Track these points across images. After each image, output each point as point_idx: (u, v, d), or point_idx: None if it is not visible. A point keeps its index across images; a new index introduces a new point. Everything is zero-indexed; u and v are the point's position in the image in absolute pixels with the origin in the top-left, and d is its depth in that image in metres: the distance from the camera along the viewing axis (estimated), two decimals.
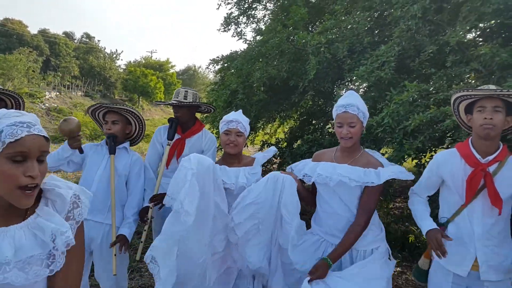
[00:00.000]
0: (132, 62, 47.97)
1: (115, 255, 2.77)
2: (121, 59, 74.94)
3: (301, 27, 4.52)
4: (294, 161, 4.94)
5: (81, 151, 2.90)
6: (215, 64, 5.92)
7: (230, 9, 5.82)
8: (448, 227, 2.31)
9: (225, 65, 5.66)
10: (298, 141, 6.04)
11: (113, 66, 43.08)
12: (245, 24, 5.61)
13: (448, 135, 3.40)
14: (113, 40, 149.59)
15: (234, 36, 5.08)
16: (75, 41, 43.98)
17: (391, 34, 4.11)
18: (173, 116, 3.40)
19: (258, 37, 5.23)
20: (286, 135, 6.57)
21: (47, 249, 1.32)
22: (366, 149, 2.63)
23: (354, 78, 3.80)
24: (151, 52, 63.33)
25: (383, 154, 4.92)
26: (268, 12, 6.36)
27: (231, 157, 2.79)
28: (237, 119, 2.72)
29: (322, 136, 4.70)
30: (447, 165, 2.30)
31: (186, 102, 3.32)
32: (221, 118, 2.84)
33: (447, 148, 4.10)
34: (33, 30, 39.91)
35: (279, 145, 6.05)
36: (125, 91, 39.77)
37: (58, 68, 36.57)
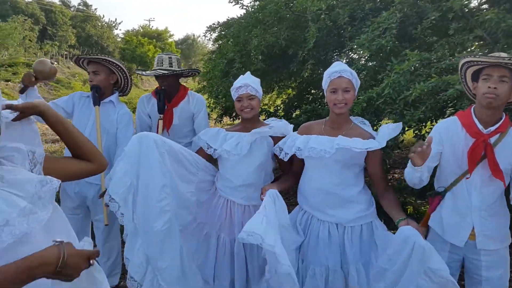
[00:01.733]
0: (130, 31, 47.22)
1: (106, 205, 2.75)
2: (120, 29, 73.87)
3: None
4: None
5: (22, 91, 2.87)
6: (212, 32, 5.75)
7: None
8: (445, 196, 2.27)
9: (222, 32, 5.48)
10: (297, 111, 5.94)
11: (111, 35, 42.47)
12: None
13: (450, 105, 3.31)
14: (111, 9, 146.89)
15: (231, 2, 4.89)
16: (72, 9, 43.16)
17: (392, 0, 3.97)
18: (157, 87, 3.27)
19: (256, 3, 5.04)
20: (284, 104, 6.47)
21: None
22: (353, 118, 2.59)
23: (355, 46, 3.68)
24: (149, 20, 62.44)
25: None
26: None
27: (248, 121, 2.71)
28: (245, 83, 2.63)
29: (321, 106, 4.60)
30: (448, 134, 2.24)
31: (173, 71, 3.19)
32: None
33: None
34: None
35: (277, 113, 5.97)
36: (124, 60, 39.28)
37: (55, 37, 36.04)
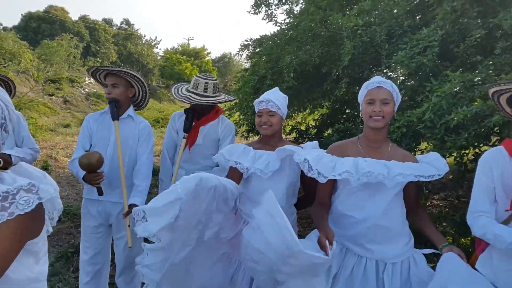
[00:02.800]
0: (169, 49, 48.30)
1: (128, 226, 2.68)
2: (160, 48, 75.72)
3: (336, 9, 4.22)
4: None
5: (100, 193, 2.74)
6: (246, 50, 5.68)
7: None
8: None
9: (256, 50, 5.40)
10: (329, 129, 5.75)
11: (151, 53, 43.49)
12: (276, 6, 5.32)
13: (495, 130, 3.03)
14: (153, 28, 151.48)
15: (265, 19, 4.82)
16: (114, 27, 44.62)
17: (433, 16, 3.77)
18: (188, 107, 3.22)
19: (289, 20, 4.94)
20: (317, 122, 6.29)
21: None
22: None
23: (393, 64, 3.49)
24: (188, 39, 63.77)
25: (422, 151, 4.63)
26: None
27: (266, 139, 2.59)
28: (267, 98, 2.50)
29: (355, 126, 4.39)
30: (497, 166, 1.94)
31: (205, 101, 3.07)
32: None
33: (494, 145, 3.73)
34: (74, 16, 40.76)
35: (309, 131, 5.79)
36: (162, 78, 40.11)
37: (97, 54, 37.27)
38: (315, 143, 2.68)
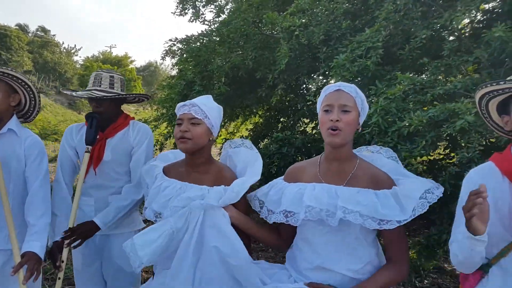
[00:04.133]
0: (90, 57, 46.04)
1: (23, 283, 1.93)
2: (80, 56, 71.83)
3: (270, 8, 3.88)
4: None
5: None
6: (172, 54, 5.17)
7: None
8: (490, 272, 1.56)
9: (180, 51, 4.88)
10: (265, 139, 5.39)
11: (69, 61, 41.21)
12: (204, 6, 4.87)
13: (445, 136, 2.76)
14: (73, 36, 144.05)
15: (192, 21, 4.36)
16: (30, 34, 41.76)
17: (373, 18, 3.54)
18: (91, 111, 2.45)
19: (219, 19, 4.52)
20: (250, 133, 5.91)
21: None
22: (358, 153, 1.89)
23: (332, 67, 3.18)
24: (110, 47, 61.08)
25: None
26: None
27: (191, 160, 1.94)
28: (192, 102, 1.92)
29: (292, 135, 4.05)
30: (488, 188, 1.45)
31: (115, 94, 2.42)
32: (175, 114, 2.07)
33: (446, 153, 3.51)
34: None
35: None
36: (82, 87, 38.03)
37: (9, 62, 34.55)
38: (254, 155, 2.08)
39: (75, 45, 52.07)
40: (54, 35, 44.76)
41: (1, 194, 2.00)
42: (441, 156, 3.47)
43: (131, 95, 2.57)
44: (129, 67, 42.87)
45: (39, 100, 2.28)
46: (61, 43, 43.64)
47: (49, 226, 2.17)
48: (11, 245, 2.02)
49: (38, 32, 42.67)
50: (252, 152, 2.03)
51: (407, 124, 2.43)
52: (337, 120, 1.64)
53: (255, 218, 1.99)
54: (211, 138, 1.96)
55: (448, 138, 2.49)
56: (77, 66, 43.20)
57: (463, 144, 2.31)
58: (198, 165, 1.94)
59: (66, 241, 2.19)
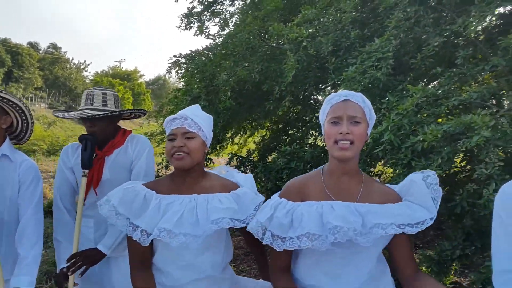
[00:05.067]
0: (99, 72, 46.52)
1: None
2: (89, 72, 72.39)
3: (275, 20, 3.78)
4: (268, 178, 4.18)
5: None
6: (176, 67, 5.09)
7: (191, 2, 5.03)
8: None
9: (186, 66, 4.79)
10: (273, 153, 5.27)
11: (79, 77, 41.67)
12: (208, 20, 4.80)
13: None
14: (83, 52, 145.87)
15: (197, 35, 4.28)
16: (41, 51, 42.40)
17: (382, 26, 3.43)
18: (85, 133, 2.32)
19: (224, 32, 4.45)
20: (258, 146, 5.79)
21: None
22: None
23: (342, 80, 3.06)
24: (120, 62, 61.85)
25: (378, 175, 4.21)
26: (237, 9, 5.62)
27: (183, 176, 1.76)
28: (184, 114, 1.74)
29: (301, 148, 3.92)
30: None
31: (108, 112, 2.27)
32: None
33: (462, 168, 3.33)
34: None
35: (251, 157, 5.27)
36: None
37: (21, 79, 35.01)
38: (249, 176, 1.98)
39: (84, 61, 52.54)
40: (65, 52, 45.37)
41: None
42: (457, 169, 3.32)
43: (125, 112, 2.43)
44: (139, 81, 43.22)
45: (32, 122, 2.17)
46: (71, 59, 44.13)
47: (40, 257, 2.05)
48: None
49: (49, 49, 43.33)
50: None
51: (421, 139, 2.30)
52: (348, 133, 1.51)
53: None
54: (206, 151, 1.83)
55: (464, 150, 2.34)
56: (86, 81, 43.63)
57: (481, 158, 2.16)
58: (194, 177, 1.78)
59: (71, 268, 2.09)
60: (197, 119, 1.75)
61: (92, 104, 2.30)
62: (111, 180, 2.28)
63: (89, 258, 2.14)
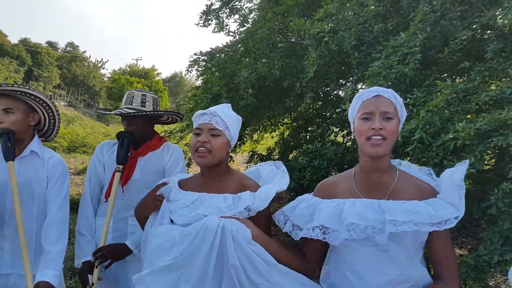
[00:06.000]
0: (117, 70, 46.95)
1: None
2: (107, 69, 72.98)
3: (295, 15, 3.72)
4: (290, 177, 4.10)
5: None
6: (196, 65, 5.07)
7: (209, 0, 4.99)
8: None
9: (207, 65, 4.75)
10: (294, 151, 5.22)
11: (97, 75, 42.15)
12: (227, 17, 4.76)
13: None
14: (100, 50, 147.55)
15: (216, 31, 4.25)
16: (59, 50, 43.01)
17: (405, 20, 3.34)
18: (123, 130, 2.38)
19: (243, 29, 4.39)
20: (278, 144, 5.74)
21: None
22: (396, 164, 1.71)
23: (368, 76, 2.99)
24: (137, 59, 62.18)
25: None
26: (254, 5, 5.57)
27: (208, 173, 1.77)
28: (213, 111, 1.74)
29: (324, 146, 3.86)
30: None
31: (144, 112, 2.33)
32: None
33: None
34: (14, 39, 38.80)
35: (271, 156, 5.23)
36: (110, 99, 38.74)
37: (40, 78, 35.57)
38: (274, 169, 1.90)
39: (102, 59, 53.06)
40: (84, 51, 45.90)
41: (17, 221, 1.91)
42: (487, 167, 3.21)
43: (163, 113, 2.47)
44: (156, 79, 43.51)
45: (59, 118, 2.22)
46: (89, 57, 44.67)
47: (65, 251, 2.10)
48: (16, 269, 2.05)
49: (67, 48, 43.94)
50: (280, 169, 1.88)
51: (452, 136, 2.23)
52: (380, 129, 1.48)
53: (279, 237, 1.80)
54: (229, 151, 1.82)
55: (495, 147, 2.26)
56: (104, 79, 44.11)
57: None
58: (215, 176, 1.78)
59: (97, 261, 2.12)
60: (226, 118, 1.75)
61: (132, 104, 2.38)
62: (140, 180, 2.33)
63: (115, 252, 2.18)
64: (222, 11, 4.91)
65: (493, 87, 2.66)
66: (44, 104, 2.09)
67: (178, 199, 1.74)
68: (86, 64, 42.37)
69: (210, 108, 1.78)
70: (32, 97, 2.03)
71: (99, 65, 44.28)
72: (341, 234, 1.48)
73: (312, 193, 1.73)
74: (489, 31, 2.68)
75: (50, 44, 42.69)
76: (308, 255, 1.70)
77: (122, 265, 2.33)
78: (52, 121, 2.22)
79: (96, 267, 2.12)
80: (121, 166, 2.26)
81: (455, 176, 1.50)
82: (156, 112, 2.39)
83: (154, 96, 2.48)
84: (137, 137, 2.36)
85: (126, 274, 2.34)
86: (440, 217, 1.44)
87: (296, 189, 3.47)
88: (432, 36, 2.97)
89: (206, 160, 1.69)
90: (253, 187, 1.73)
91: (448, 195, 1.50)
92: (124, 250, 2.21)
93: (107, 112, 2.56)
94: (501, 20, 2.49)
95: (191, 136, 1.76)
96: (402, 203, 1.50)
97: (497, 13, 2.55)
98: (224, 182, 1.78)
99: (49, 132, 2.28)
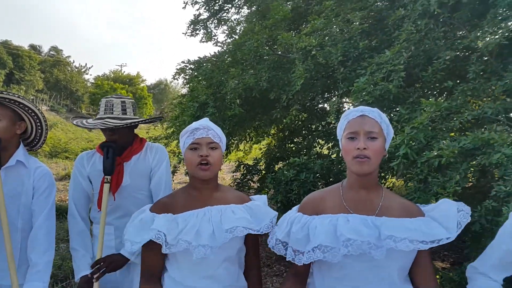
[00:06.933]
0: (101, 76, 46.50)
1: None
2: (90, 74, 72.22)
3: (282, 29, 3.77)
4: (277, 190, 4.09)
5: None
6: (183, 74, 5.08)
7: (197, 10, 5.02)
8: None
9: (193, 72, 4.77)
10: (279, 163, 5.25)
11: (80, 80, 41.70)
12: (216, 27, 4.80)
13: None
14: (84, 55, 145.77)
15: (204, 42, 4.27)
16: (43, 54, 42.44)
17: (389, 37, 3.42)
18: (105, 141, 2.35)
19: (231, 39, 4.43)
20: (263, 155, 5.77)
21: None
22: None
23: (353, 91, 3.04)
24: (121, 66, 61.61)
25: (390, 188, 4.18)
26: (242, 17, 5.62)
27: (200, 187, 1.77)
28: (206, 125, 1.76)
29: (310, 159, 3.89)
30: None
31: (128, 123, 2.28)
32: None
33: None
34: None
35: (258, 166, 5.25)
36: (93, 105, 38.34)
37: (22, 81, 35.00)
38: (264, 197, 1.96)
39: (85, 64, 52.41)
40: (69, 56, 45.30)
41: (4, 232, 1.87)
42: (469, 184, 3.28)
43: (146, 121, 2.47)
44: (140, 85, 43.23)
45: (47, 129, 2.18)
46: (72, 62, 44.08)
47: (51, 263, 2.06)
48: (1, 281, 1.96)
49: (51, 52, 43.37)
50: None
51: (436, 154, 2.28)
52: (364, 148, 1.51)
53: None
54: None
55: (478, 166, 2.32)
56: (87, 84, 43.66)
57: (496, 176, 2.14)
58: (212, 188, 1.80)
59: (96, 275, 2.09)
60: (218, 131, 1.79)
61: (112, 113, 2.33)
62: (130, 186, 2.32)
63: (113, 263, 2.15)
64: (210, 22, 4.95)
65: (475, 107, 2.74)
66: (32, 114, 2.05)
67: (187, 221, 1.69)
68: (69, 69, 41.89)
69: (199, 123, 1.79)
70: (21, 105, 1.99)
71: (83, 70, 43.83)
72: (339, 250, 1.49)
73: (297, 208, 1.73)
74: (471, 52, 2.75)
75: (33, 47, 42.09)
76: (301, 271, 1.72)
77: (127, 272, 2.32)
78: (40, 131, 2.16)
79: (96, 281, 2.09)
80: (109, 177, 2.23)
81: (460, 208, 1.55)
82: (141, 121, 2.38)
83: (132, 100, 2.45)
84: (121, 144, 2.33)
85: (130, 281, 2.33)
86: (434, 236, 1.48)
87: (283, 202, 3.49)
88: (416, 55, 3.05)
89: (210, 173, 1.71)
90: (248, 199, 1.82)
91: (444, 217, 1.54)
92: (120, 260, 2.17)
93: (89, 126, 2.36)
94: (482, 42, 2.56)
95: (186, 150, 1.74)
96: (396, 220, 1.53)
97: (479, 34, 2.63)
98: (222, 193, 1.81)
99: (35, 142, 2.22)
